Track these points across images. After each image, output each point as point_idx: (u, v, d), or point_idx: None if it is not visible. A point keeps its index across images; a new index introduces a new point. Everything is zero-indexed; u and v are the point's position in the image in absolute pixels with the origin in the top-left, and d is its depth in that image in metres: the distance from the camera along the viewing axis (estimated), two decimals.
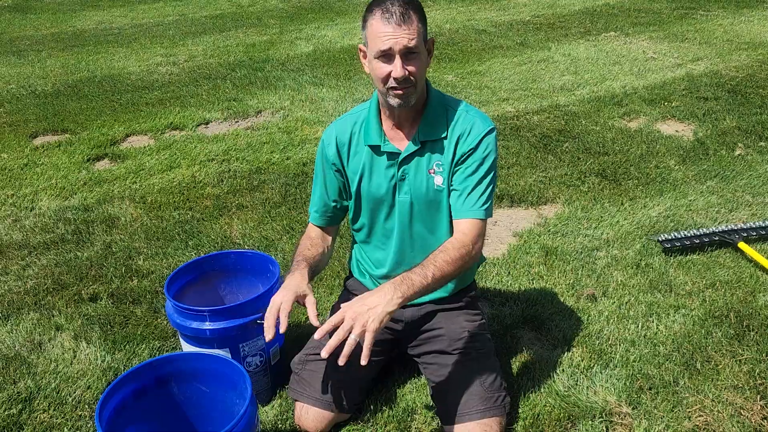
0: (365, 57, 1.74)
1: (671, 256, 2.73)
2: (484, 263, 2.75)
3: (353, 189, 1.90)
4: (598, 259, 2.75)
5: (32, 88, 5.72)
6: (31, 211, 3.43)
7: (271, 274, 2.08)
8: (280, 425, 1.94)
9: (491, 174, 1.77)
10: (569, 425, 1.89)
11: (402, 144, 1.81)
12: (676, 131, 4.17)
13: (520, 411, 1.93)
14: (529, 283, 2.61)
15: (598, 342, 2.23)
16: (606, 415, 1.91)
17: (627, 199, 3.28)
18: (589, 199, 3.29)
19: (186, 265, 2.10)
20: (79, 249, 3.02)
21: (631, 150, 3.87)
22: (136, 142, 4.45)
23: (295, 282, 1.75)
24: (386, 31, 1.61)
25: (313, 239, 1.97)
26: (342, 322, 1.53)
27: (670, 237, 2.79)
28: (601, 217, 3.11)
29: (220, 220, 3.25)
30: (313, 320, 1.67)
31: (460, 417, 1.81)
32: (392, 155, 1.81)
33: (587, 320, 2.35)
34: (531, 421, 1.89)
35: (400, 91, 1.68)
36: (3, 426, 1.93)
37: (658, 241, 2.79)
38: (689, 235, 2.78)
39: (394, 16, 1.59)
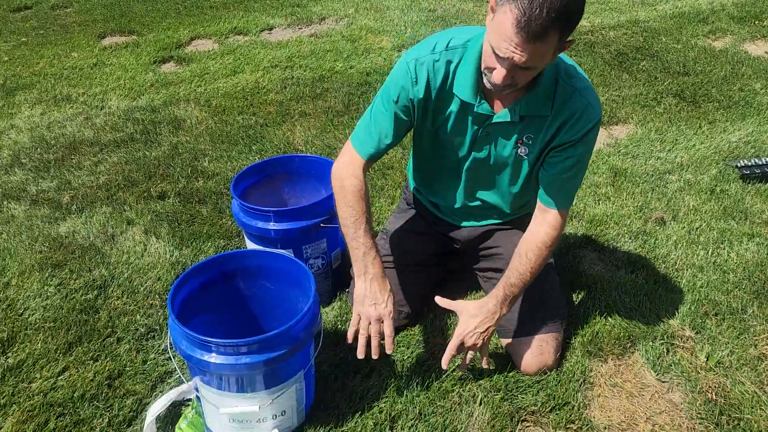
0: (491, 10, 1.37)
1: (749, 183, 2.59)
2: None
3: (430, 134, 1.71)
4: (669, 183, 2.64)
5: None
6: (101, 109, 3.51)
7: None
8: (339, 326, 1.99)
9: (586, 165, 1.67)
10: (629, 345, 1.87)
11: (497, 107, 1.60)
12: (766, 53, 3.87)
13: (578, 328, 1.92)
14: (595, 203, 2.54)
15: (664, 266, 2.17)
16: (668, 337, 1.88)
17: (705, 123, 3.10)
18: (665, 121, 3.12)
19: (252, 166, 2.12)
20: (147, 148, 3.09)
21: (713, 71, 3.62)
22: (201, 45, 4.44)
23: (376, 301, 1.64)
24: (510, 39, 1.29)
25: (361, 186, 1.70)
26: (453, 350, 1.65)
27: (749, 163, 2.64)
28: (676, 140, 2.96)
29: (282, 127, 3.26)
30: (388, 348, 1.62)
31: (516, 332, 1.82)
32: (484, 116, 1.61)
33: (654, 244, 2.28)
34: (590, 338, 1.88)
35: (496, 88, 1.46)
36: (81, 309, 2.05)
37: (737, 167, 2.65)
38: None
39: (529, 32, 1.26)
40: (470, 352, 1.68)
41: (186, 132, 3.23)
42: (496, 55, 1.36)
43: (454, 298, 2.02)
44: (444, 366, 1.64)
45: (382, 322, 1.63)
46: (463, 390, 1.74)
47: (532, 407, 1.68)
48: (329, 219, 1.96)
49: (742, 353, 1.81)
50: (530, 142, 1.63)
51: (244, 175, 2.07)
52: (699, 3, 4.69)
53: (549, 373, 1.78)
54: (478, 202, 1.84)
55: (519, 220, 1.89)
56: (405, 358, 1.86)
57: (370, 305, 1.63)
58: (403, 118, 1.66)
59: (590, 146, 1.62)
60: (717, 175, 2.67)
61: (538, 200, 1.68)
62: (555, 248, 1.70)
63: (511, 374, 1.79)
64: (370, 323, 1.63)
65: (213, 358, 1.39)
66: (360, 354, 1.62)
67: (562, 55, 1.57)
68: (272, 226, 1.90)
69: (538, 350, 1.78)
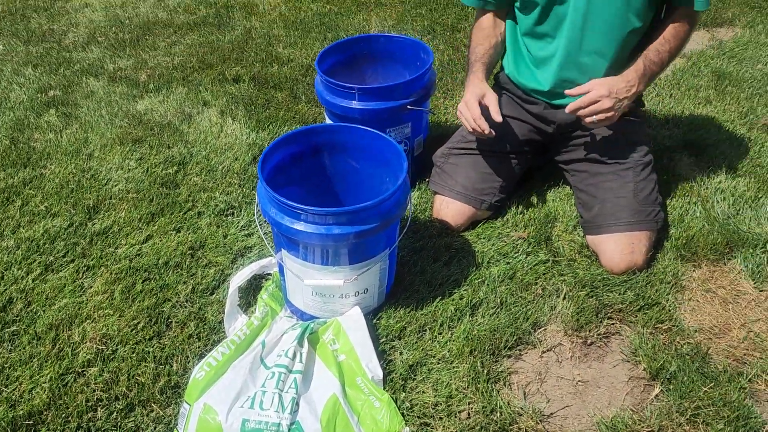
0: None
1: None
2: None
3: None
4: None
5: None
6: None
7: (423, 62, 1.97)
8: (419, 215, 1.94)
9: None
10: (726, 251, 1.76)
11: None
12: None
13: (672, 231, 1.82)
14: (694, 107, 2.36)
15: None
16: None
17: None
18: None
19: (335, 44, 2.03)
20: (220, 32, 3.02)
21: None
22: None
23: (473, 87, 1.74)
24: None
25: (484, 29, 1.83)
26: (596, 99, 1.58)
27: None
28: None
29: (358, 16, 3.12)
30: (495, 116, 1.66)
31: (607, 226, 1.72)
32: None
33: (758, 151, 2.11)
34: (684, 241, 1.78)
35: None
36: (162, 183, 2.06)
37: None
38: None
39: None
40: (597, 116, 1.60)
41: (259, 17, 3.14)
42: None
43: (530, 195, 1.95)
44: (568, 110, 1.62)
45: (483, 99, 1.70)
46: (546, 283, 1.69)
47: (619, 305, 1.62)
48: (416, 101, 1.87)
49: None
50: None
51: (328, 53, 1.98)
52: None
53: (638, 273, 1.70)
54: (575, 73, 1.72)
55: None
56: (486, 249, 1.80)
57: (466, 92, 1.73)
58: None
59: None
60: None
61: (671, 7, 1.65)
62: (688, 39, 1.68)
63: (597, 272, 1.72)
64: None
65: (302, 226, 1.36)
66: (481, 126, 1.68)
67: None
68: (356, 104, 1.83)
69: (629, 248, 1.69)
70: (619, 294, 1.65)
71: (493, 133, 1.69)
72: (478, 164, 1.88)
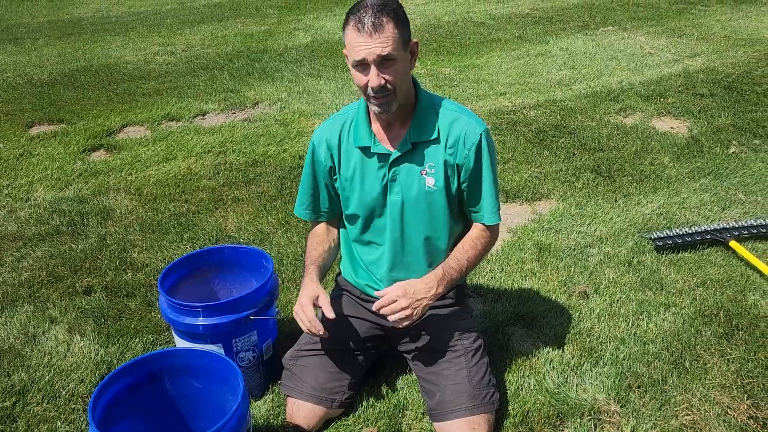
0: (345, 52, 1.72)
1: (663, 253, 2.75)
2: None
3: (346, 190, 1.89)
4: (590, 256, 2.76)
5: (28, 77, 5.71)
6: (26, 202, 3.43)
7: (265, 269, 2.09)
8: (272, 420, 1.95)
9: (495, 173, 1.82)
10: (558, 422, 1.91)
11: (393, 144, 1.80)
12: (671, 128, 4.18)
13: (509, 408, 1.95)
14: (522, 279, 2.63)
15: (588, 339, 2.25)
16: (595, 413, 1.93)
17: (621, 196, 3.29)
18: (584, 196, 3.30)
19: (180, 260, 2.11)
20: (74, 241, 3.02)
21: (626, 146, 3.88)
22: (133, 132, 4.44)
23: (307, 290, 1.84)
24: (359, 42, 1.60)
25: (318, 236, 2.00)
26: (394, 299, 1.73)
27: (662, 235, 2.81)
28: (595, 213, 3.13)
29: (215, 213, 3.26)
30: (328, 313, 1.78)
31: (448, 414, 1.83)
32: (383, 156, 1.81)
33: (578, 317, 2.37)
34: (521, 418, 1.91)
35: (379, 100, 1.68)
36: None
37: (650, 238, 2.81)
38: (681, 233, 2.80)
39: (366, 26, 1.58)
40: (402, 318, 1.72)
41: (115, 222, 3.19)
42: (362, 66, 1.63)
43: (379, 386, 2.04)
44: (375, 308, 1.76)
45: (317, 300, 1.80)
46: None
47: None
48: (259, 311, 1.96)
49: (664, 425, 1.88)
50: (433, 171, 1.79)
51: (172, 269, 2.05)
52: (610, 83, 5.05)
53: None
54: (403, 273, 1.90)
55: (449, 294, 1.96)
56: None
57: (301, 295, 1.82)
58: (325, 176, 1.91)
59: (490, 155, 1.78)
60: (633, 246, 2.82)
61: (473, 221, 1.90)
62: (486, 251, 1.90)
63: None
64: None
65: None
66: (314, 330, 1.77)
67: (434, 96, 1.84)
68: (201, 321, 1.88)
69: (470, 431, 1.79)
70: None
71: (326, 333, 1.78)
72: (326, 364, 1.95)
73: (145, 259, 2.85)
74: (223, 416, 1.44)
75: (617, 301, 2.46)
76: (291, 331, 2.25)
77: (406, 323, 1.74)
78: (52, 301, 2.56)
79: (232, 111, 4.80)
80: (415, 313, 1.72)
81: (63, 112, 4.79)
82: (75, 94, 5.20)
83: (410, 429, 1.90)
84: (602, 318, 2.36)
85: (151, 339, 2.32)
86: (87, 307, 2.51)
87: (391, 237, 1.89)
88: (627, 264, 2.69)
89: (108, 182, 3.64)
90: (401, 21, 1.64)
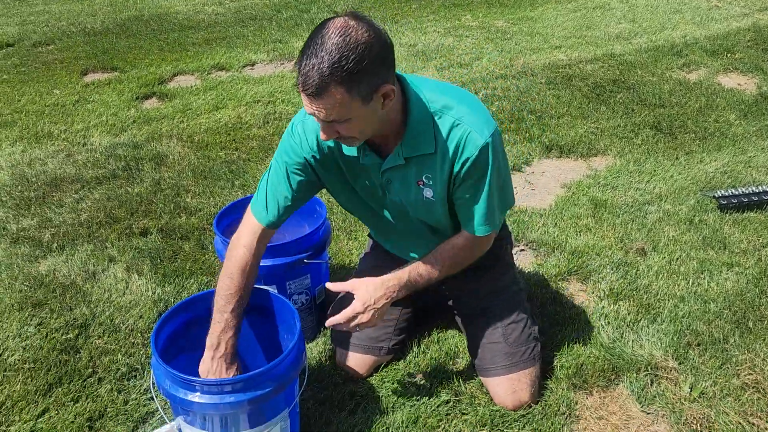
0: None
1: (727, 213, 2.64)
2: (528, 212, 2.72)
3: (339, 192, 1.75)
4: (649, 214, 2.68)
5: (82, 26, 5.77)
6: (83, 146, 3.50)
7: (318, 214, 2.08)
8: (324, 362, 1.98)
9: (494, 187, 1.58)
10: (613, 376, 1.87)
11: (385, 151, 1.58)
12: (738, 84, 3.98)
13: (563, 360, 1.93)
14: (576, 235, 2.56)
15: (645, 296, 2.19)
16: (651, 368, 1.89)
17: (682, 154, 3.16)
18: (643, 152, 3.19)
19: (234, 203, 2.12)
20: (129, 185, 3.08)
21: (689, 103, 3.71)
22: (183, 81, 4.47)
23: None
24: (304, 98, 1.36)
25: (248, 260, 1.65)
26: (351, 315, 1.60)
27: (726, 193, 2.70)
28: (655, 170, 3.02)
29: (265, 161, 3.27)
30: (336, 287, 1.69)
31: (487, 371, 1.83)
32: (374, 164, 1.61)
33: (635, 274, 2.30)
34: (574, 370, 1.88)
35: (341, 141, 1.50)
36: (61, 349, 2.02)
37: (714, 197, 2.70)
38: (747, 192, 2.68)
39: (308, 89, 1.32)
40: (356, 325, 1.61)
41: (168, 168, 3.23)
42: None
43: (431, 333, 2.02)
44: (327, 324, 1.61)
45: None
46: (449, 425, 1.73)
47: None
48: (313, 254, 1.96)
49: (725, 383, 1.83)
50: (430, 182, 1.59)
51: (227, 212, 2.07)
52: (672, 37, 4.83)
53: (533, 406, 1.78)
54: (416, 252, 1.80)
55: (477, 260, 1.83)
56: (389, 394, 1.84)
57: (368, 298, 1.62)
58: (299, 177, 1.65)
59: (487, 169, 1.54)
60: (695, 205, 2.71)
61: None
62: (469, 260, 1.71)
63: (497, 408, 1.78)
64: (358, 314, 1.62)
65: (197, 397, 1.37)
66: (329, 323, 1.63)
67: (439, 86, 1.57)
68: None
69: (511, 389, 1.78)
70: (518, 429, 1.71)
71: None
72: None
73: (198, 204, 2.88)
74: (279, 355, 1.46)
75: (677, 259, 2.38)
76: (341, 279, 2.26)
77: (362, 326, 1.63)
78: (110, 241, 2.62)
79: (281, 61, 4.77)
80: (370, 319, 1.60)
81: (116, 60, 4.84)
82: (127, 43, 5.24)
83: (461, 377, 1.90)
84: (660, 275, 2.29)
85: (206, 280, 2.36)
86: (144, 247, 2.56)
87: (397, 232, 1.82)
88: (688, 222, 2.60)
89: (161, 129, 3.68)
90: (355, 81, 1.31)
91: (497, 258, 1.91)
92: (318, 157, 1.63)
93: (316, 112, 1.36)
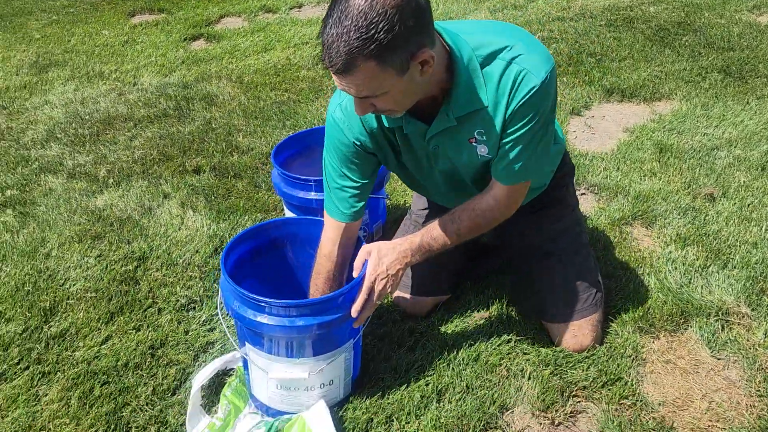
0: None
1: None
2: (588, 156, 2.62)
3: (394, 166, 1.61)
4: (718, 159, 2.55)
5: None
6: (134, 86, 3.50)
7: None
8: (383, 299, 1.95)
9: (540, 131, 1.39)
10: (682, 321, 1.81)
11: (430, 116, 1.40)
12: None
13: (628, 304, 1.86)
14: (641, 179, 2.46)
15: (715, 242, 2.09)
16: (722, 314, 1.81)
17: (754, 98, 2.99)
18: (710, 97, 3.02)
19: (293, 136, 2.09)
20: (180, 124, 3.07)
21: (760, 46, 3.50)
22: (230, 23, 4.41)
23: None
24: (332, 75, 1.24)
25: (330, 268, 1.59)
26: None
27: None
28: (723, 115, 2.86)
29: (316, 102, 3.22)
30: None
31: (547, 315, 1.78)
32: (419, 132, 1.45)
33: (704, 220, 2.20)
34: (641, 314, 1.82)
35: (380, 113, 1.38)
36: (121, 280, 2.04)
37: None
38: None
39: (333, 65, 1.18)
40: (375, 299, 1.49)
41: (219, 108, 3.21)
42: None
43: (489, 274, 1.96)
44: (354, 314, 1.44)
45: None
46: (510, 364, 1.70)
47: (583, 382, 1.63)
48: (373, 190, 1.91)
49: None
50: (484, 138, 1.41)
51: (284, 145, 2.04)
52: None
53: (598, 347, 1.73)
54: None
55: (536, 200, 1.74)
56: (449, 332, 1.82)
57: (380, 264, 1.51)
58: (357, 163, 1.53)
59: (537, 110, 1.35)
60: None
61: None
62: (491, 220, 1.52)
63: (558, 349, 1.74)
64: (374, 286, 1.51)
65: (266, 319, 1.36)
66: (354, 313, 1.49)
67: (486, 27, 1.41)
68: (313, 195, 1.87)
69: (572, 334, 1.73)
70: (582, 371, 1.67)
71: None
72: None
73: (250, 143, 2.86)
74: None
75: (748, 205, 2.27)
76: (398, 218, 2.22)
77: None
78: (164, 178, 2.62)
79: (328, 3, 4.65)
80: (384, 287, 1.48)
81: (162, 1, 4.80)
82: None
83: (521, 317, 1.86)
84: (731, 221, 2.18)
85: (260, 217, 2.35)
86: (197, 185, 2.56)
87: (447, 199, 1.69)
88: (760, 168, 2.47)
89: (210, 70, 3.65)
90: (388, 51, 1.16)
91: (559, 198, 1.81)
92: (365, 137, 1.49)
93: (347, 88, 1.23)
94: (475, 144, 1.43)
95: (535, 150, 1.42)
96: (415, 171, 1.60)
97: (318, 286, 1.61)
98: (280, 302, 1.33)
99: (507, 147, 1.40)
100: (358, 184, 1.55)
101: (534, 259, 1.81)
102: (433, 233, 1.52)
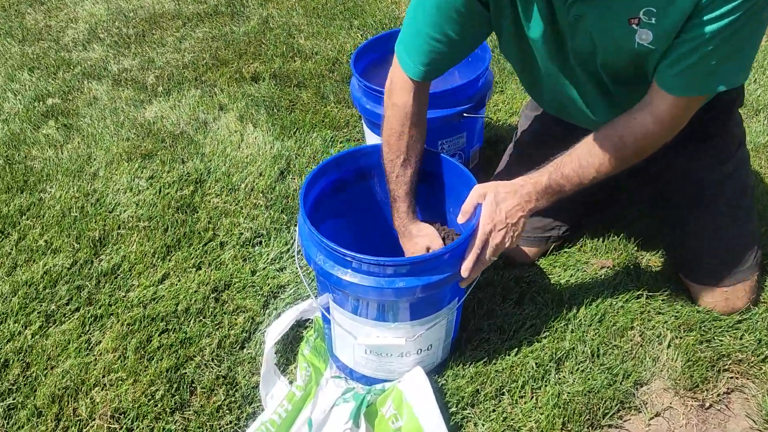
0: None
1: None
2: None
3: (509, 33, 1.23)
4: None
5: None
6: None
7: (477, 59, 1.66)
8: None
9: (748, 25, 0.97)
10: None
11: None
12: None
13: None
14: None
15: None
16: None
17: None
18: None
19: (374, 39, 1.73)
20: (234, 23, 2.72)
21: None
22: None
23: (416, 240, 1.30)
24: None
25: (410, 125, 1.27)
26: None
27: None
28: None
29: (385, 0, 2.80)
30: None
31: (694, 277, 1.44)
32: None
33: None
34: None
35: None
36: (177, 207, 1.79)
37: None
38: None
39: None
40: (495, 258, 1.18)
41: (276, 4, 2.83)
42: None
43: (616, 216, 1.63)
44: (464, 274, 1.13)
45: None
46: (645, 327, 1.40)
47: (739, 354, 1.33)
48: (472, 108, 1.57)
49: None
50: (653, 20, 1.01)
51: (366, 49, 1.69)
52: None
53: (753, 309, 1.41)
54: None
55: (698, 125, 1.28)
56: (563, 282, 1.51)
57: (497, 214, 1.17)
58: (463, 10, 1.15)
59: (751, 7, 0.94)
60: None
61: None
62: (645, 152, 1.15)
63: (704, 309, 1.42)
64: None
65: (356, 278, 1.08)
66: (465, 274, 1.18)
67: None
68: None
69: (723, 297, 1.40)
70: (736, 339, 1.36)
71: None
72: None
73: (314, 47, 2.50)
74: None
75: None
76: (497, 139, 1.88)
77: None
78: (219, 86, 2.31)
79: None
80: (503, 240, 1.16)
81: None
82: None
83: (653, 268, 1.54)
84: None
85: (330, 135, 2.03)
86: (257, 95, 2.24)
87: (575, 101, 1.29)
88: None
89: None
90: None
91: (727, 128, 1.41)
92: None
93: None
94: (635, 27, 1.04)
95: (738, 48, 1.00)
96: (538, 49, 1.21)
97: (389, 141, 1.28)
98: (377, 260, 1.03)
99: (695, 42, 1.00)
100: (455, 39, 1.19)
101: (684, 204, 1.43)
102: (564, 170, 1.18)
